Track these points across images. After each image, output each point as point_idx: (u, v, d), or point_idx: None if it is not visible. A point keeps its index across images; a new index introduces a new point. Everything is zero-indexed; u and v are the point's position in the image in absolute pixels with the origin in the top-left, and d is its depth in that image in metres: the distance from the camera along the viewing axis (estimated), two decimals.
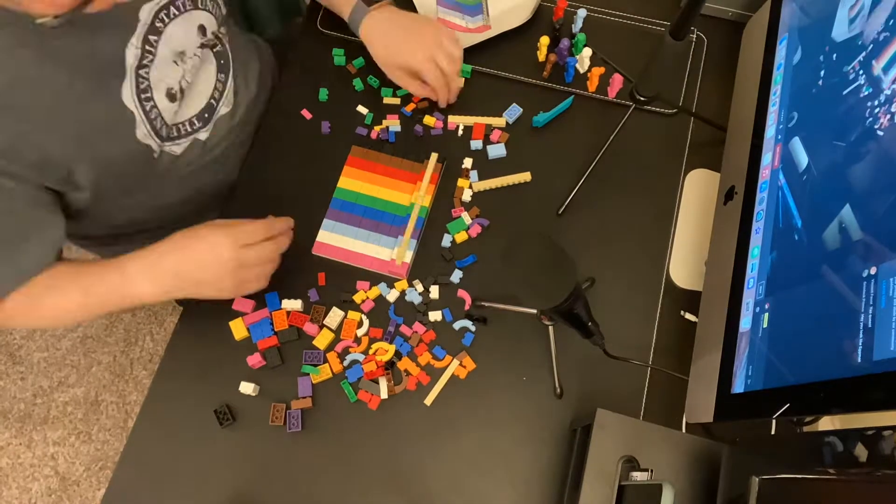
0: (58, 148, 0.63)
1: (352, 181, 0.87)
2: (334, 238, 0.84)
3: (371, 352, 0.78)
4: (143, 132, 0.69)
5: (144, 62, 0.67)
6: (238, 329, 0.79)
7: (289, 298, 0.81)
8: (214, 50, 0.80)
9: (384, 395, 0.76)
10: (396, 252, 0.82)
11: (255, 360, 0.78)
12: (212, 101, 0.79)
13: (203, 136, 0.79)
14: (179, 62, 0.72)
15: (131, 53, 0.66)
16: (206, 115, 0.78)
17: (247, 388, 0.76)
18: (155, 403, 0.78)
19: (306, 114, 0.92)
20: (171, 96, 0.72)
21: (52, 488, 1.55)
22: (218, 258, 0.68)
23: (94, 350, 1.67)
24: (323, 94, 0.93)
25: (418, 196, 0.84)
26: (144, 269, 0.68)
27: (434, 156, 0.86)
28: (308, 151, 0.90)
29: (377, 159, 0.88)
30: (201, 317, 0.82)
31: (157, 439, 0.77)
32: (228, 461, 0.75)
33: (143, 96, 0.68)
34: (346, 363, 0.78)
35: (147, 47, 0.67)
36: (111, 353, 1.67)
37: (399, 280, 0.82)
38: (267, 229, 0.72)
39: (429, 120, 0.90)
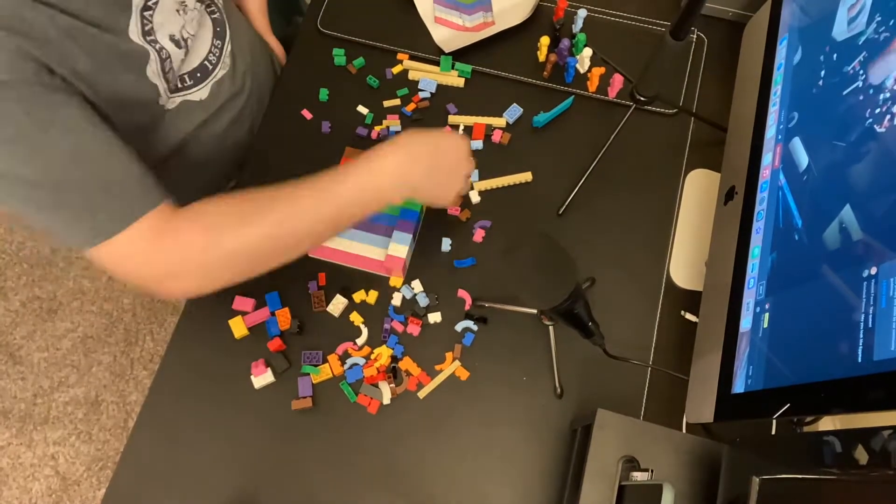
0: (79, 63, 0.61)
1: None
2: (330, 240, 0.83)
3: (372, 357, 0.78)
4: (153, 69, 0.69)
5: (149, 3, 0.68)
6: (238, 327, 0.79)
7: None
8: (212, 16, 0.81)
9: (386, 400, 0.76)
10: (391, 246, 0.81)
11: (259, 369, 0.78)
12: (206, 63, 0.80)
13: (196, 97, 0.79)
14: (181, 12, 0.73)
15: None
16: (199, 75, 0.79)
17: (260, 381, 0.77)
18: (155, 403, 0.78)
19: (306, 114, 0.92)
20: (176, 42, 0.72)
21: (52, 488, 1.55)
22: (458, 166, 0.72)
23: (94, 350, 1.67)
24: (323, 94, 0.93)
25: None
26: (397, 177, 0.67)
27: None
28: (308, 151, 0.90)
29: None
30: (201, 316, 0.82)
31: (158, 439, 0.77)
32: (228, 461, 0.75)
33: (148, 38, 0.68)
34: (346, 365, 0.78)
35: None
36: (111, 353, 1.67)
37: (397, 278, 0.82)
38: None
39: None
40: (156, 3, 0.69)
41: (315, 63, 0.95)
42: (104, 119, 0.63)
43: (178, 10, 0.72)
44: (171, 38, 0.72)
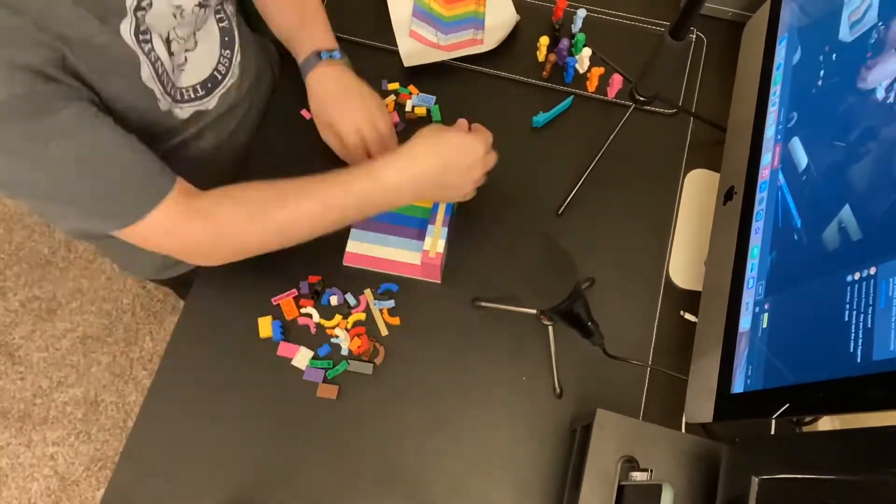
0: (78, 66, 0.62)
1: None
2: (364, 247, 0.82)
3: (349, 326, 0.79)
4: (147, 74, 0.69)
5: (143, 4, 0.68)
6: (264, 327, 0.79)
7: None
8: (221, 24, 0.81)
9: (379, 361, 0.78)
10: (428, 242, 0.78)
11: (290, 349, 0.78)
12: (216, 73, 0.80)
13: (205, 106, 0.80)
14: (178, 15, 0.73)
15: None
16: (210, 85, 0.79)
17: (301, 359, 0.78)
18: (154, 403, 0.78)
19: (306, 114, 0.92)
20: (167, 46, 0.72)
21: (51, 488, 1.55)
22: (471, 168, 0.71)
23: (93, 350, 1.67)
24: None
25: None
26: (406, 179, 0.69)
27: None
28: (308, 152, 0.90)
29: None
30: (201, 317, 0.82)
31: (157, 439, 0.77)
32: (228, 461, 0.75)
33: (141, 38, 0.68)
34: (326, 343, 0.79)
35: None
36: (111, 353, 1.67)
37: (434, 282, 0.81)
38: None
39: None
40: (150, 4, 0.69)
41: None
42: (105, 112, 0.64)
43: (173, 14, 0.72)
44: (165, 40, 0.71)
